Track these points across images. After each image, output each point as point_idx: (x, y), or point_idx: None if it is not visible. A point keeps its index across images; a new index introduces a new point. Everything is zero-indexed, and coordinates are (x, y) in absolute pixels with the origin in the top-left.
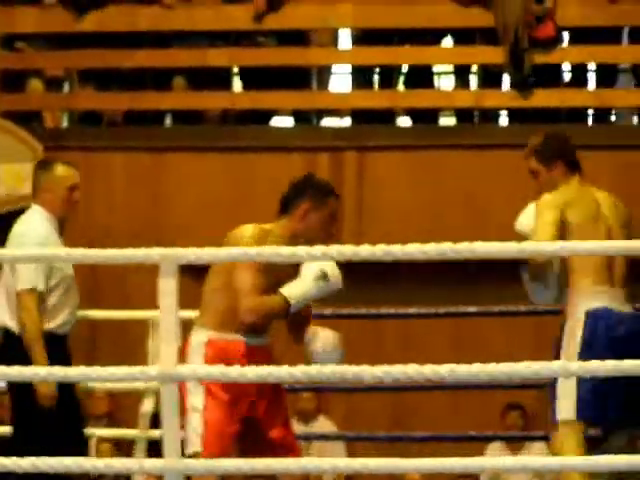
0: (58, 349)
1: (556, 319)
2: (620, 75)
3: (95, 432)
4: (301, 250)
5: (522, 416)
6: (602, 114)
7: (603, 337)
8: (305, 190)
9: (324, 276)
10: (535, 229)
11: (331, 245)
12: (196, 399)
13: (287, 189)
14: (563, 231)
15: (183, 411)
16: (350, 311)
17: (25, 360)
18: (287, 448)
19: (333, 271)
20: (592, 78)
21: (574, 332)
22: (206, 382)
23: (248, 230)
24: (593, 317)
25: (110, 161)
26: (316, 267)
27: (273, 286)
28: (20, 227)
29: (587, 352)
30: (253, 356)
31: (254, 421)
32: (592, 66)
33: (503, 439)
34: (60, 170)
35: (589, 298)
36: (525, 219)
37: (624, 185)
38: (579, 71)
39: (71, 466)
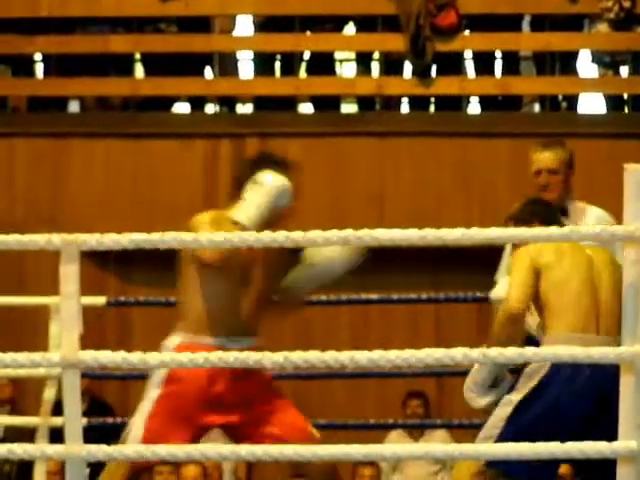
0: None
1: (457, 307)
2: (522, 63)
3: None
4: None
5: (423, 404)
6: (508, 102)
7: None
8: (255, 168)
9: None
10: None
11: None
12: (138, 422)
13: (238, 169)
14: (537, 275)
15: None
16: None
17: None
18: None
19: (276, 178)
20: (498, 66)
21: (532, 375)
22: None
23: (205, 216)
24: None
25: (12, 147)
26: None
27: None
28: None
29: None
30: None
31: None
32: (498, 54)
33: (404, 427)
34: (531, 156)
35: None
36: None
37: (526, 171)
38: (484, 59)
39: None
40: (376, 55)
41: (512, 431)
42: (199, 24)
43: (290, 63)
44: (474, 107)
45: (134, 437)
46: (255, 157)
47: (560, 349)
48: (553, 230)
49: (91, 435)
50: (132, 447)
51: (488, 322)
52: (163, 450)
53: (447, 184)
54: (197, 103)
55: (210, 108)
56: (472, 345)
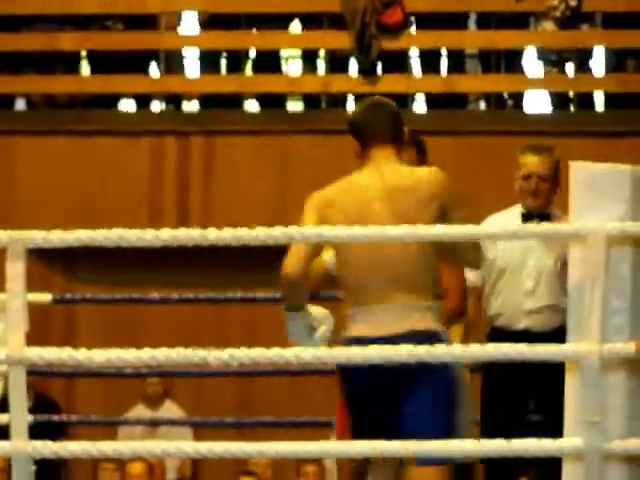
0: None
1: None
2: (468, 61)
3: None
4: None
5: None
6: (453, 100)
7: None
8: None
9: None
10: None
11: (179, 229)
12: None
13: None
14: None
15: None
16: (195, 295)
17: None
18: None
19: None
20: (443, 64)
21: None
22: None
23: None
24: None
25: None
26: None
27: None
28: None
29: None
30: None
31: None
32: (443, 52)
33: None
34: (520, 158)
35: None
36: None
37: (471, 170)
38: (430, 57)
39: None
40: (322, 53)
41: None
42: (146, 22)
43: (236, 61)
44: (420, 105)
45: None
46: None
47: (505, 346)
48: (500, 230)
49: (37, 432)
50: (77, 444)
51: None
52: (109, 447)
53: None
54: (143, 101)
55: (156, 106)
56: None
